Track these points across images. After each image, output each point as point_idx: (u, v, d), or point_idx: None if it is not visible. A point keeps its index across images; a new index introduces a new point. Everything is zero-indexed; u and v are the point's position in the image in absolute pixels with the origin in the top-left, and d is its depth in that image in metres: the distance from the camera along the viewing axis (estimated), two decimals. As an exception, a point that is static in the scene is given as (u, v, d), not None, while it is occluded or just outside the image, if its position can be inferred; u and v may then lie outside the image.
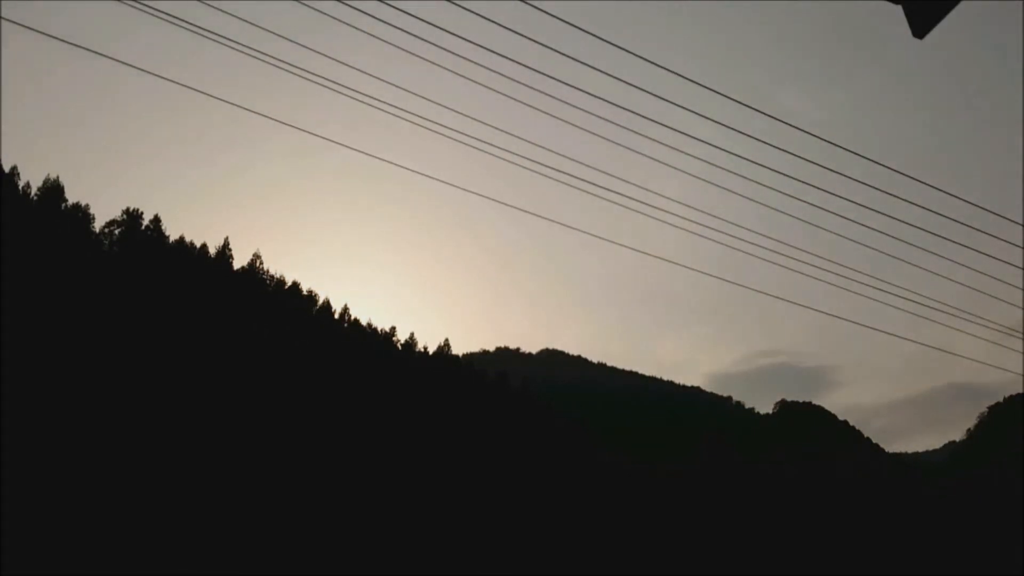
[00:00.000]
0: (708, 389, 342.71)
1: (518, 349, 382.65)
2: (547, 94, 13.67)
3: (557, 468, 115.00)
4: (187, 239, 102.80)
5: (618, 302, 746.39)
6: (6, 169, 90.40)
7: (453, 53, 12.51)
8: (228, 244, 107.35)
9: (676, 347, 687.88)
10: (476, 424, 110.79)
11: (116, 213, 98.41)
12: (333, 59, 13.52)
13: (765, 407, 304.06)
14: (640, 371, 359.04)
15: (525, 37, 11.49)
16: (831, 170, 14.19)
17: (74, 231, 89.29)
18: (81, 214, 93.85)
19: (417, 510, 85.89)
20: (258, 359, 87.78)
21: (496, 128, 14.58)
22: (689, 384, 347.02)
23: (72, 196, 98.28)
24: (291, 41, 12.71)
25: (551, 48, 11.64)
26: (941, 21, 6.30)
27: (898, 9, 6.32)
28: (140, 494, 64.52)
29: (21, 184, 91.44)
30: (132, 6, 11.02)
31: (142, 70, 13.89)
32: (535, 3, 10.32)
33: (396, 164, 18.59)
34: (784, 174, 14.20)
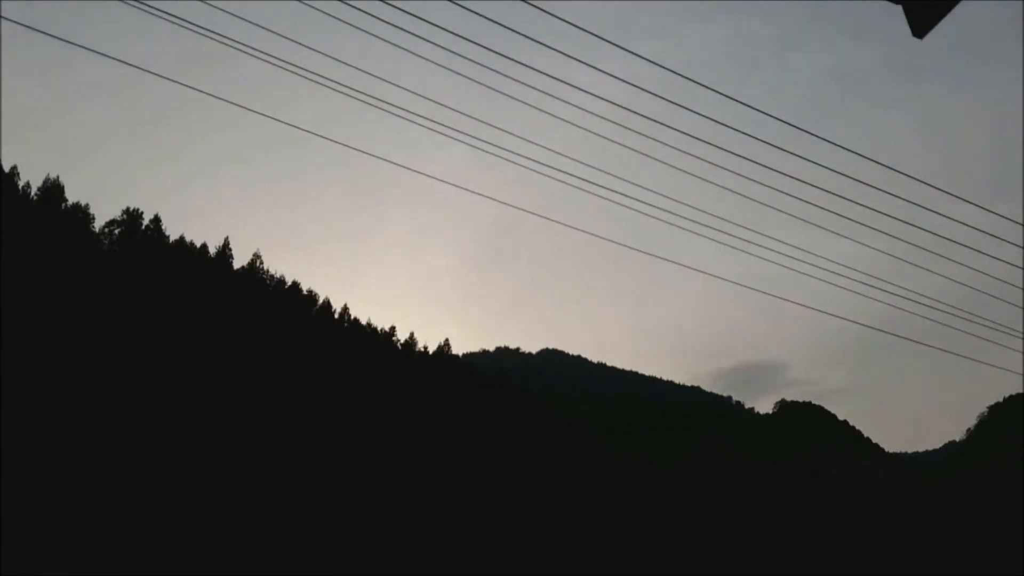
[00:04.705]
0: (708, 389, 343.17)
1: (518, 349, 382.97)
2: (545, 92, 13.69)
3: (557, 468, 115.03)
4: (187, 239, 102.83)
5: (618, 302, 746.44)
6: (6, 169, 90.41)
7: (453, 52, 12.54)
8: (228, 244, 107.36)
9: (676, 346, 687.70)
10: (476, 424, 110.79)
11: (116, 213, 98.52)
12: (335, 59, 13.53)
13: (765, 407, 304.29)
14: (640, 371, 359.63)
15: (525, 36, 11.50)
16: (826, 167, 14.20)
17: (74, 231, 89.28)
18: (81, 214, 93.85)
19: (417, 510, 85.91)
20: (258, 359, 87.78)
21: (496, 127, 14.60)
22: (689, 384, 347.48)
23: (72, 196, 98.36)
24: (292, 41, 12.73)
25: (539, 42, 11.65)
26: (941, 21, 6.30)
27: (898, 9, 6.33)
28: (141, 494, 64.54)
29: (21, 184, 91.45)
30: (133, 6, 11.03)
31: (143, 70, 13.91)
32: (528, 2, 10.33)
33: (397, 164, 18.61)
34: (774, 169, 14.22)
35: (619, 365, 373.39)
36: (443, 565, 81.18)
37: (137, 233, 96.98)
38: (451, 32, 11.85)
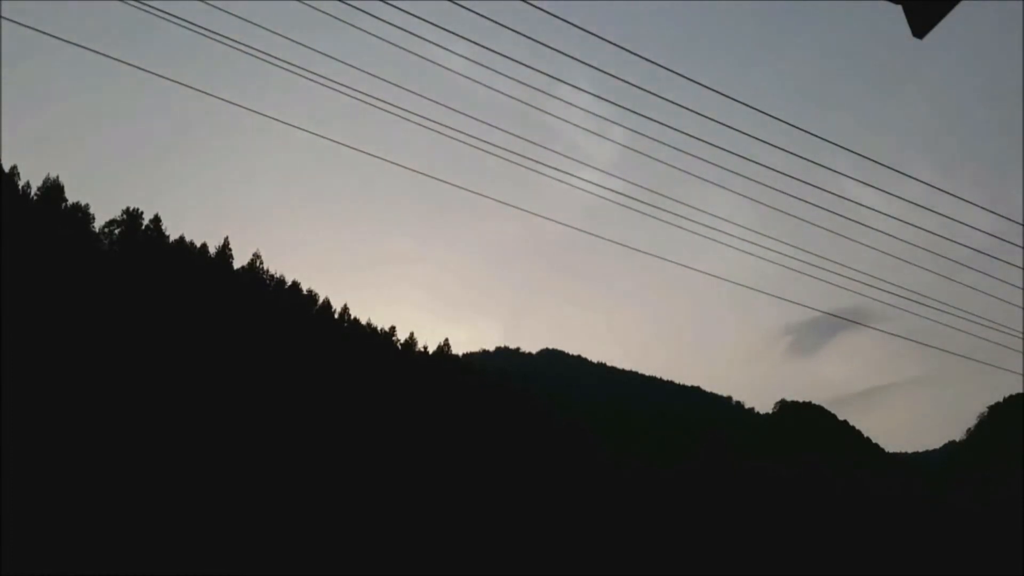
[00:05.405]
0: (708, 389, 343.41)
1: (518, 349, 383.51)
2: (544, 92, 13.69)
3: (557, 468, 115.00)
4: (187, 239, 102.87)
5: (619, 301, 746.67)
6: (6, 169, 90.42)
7: (448, 51, 12.54)
8: (228, 244, 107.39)
9: (676, 345, 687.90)
10: (476, 424, 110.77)
11: (116, 213, 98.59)
12: (334, 59, 13.53)
13: (765, 407, 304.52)
14: (640, 371, 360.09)
15: (523, 34, 11.50)
16: (828, 168, 14.21)
17: (74, 231, 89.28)
18: (81, 214, 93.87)
19: (417, 510, 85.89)
20: (258, 359, 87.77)
21: (493, 127, 14.60)
22: (689, 384, 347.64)
23: (72, 196, 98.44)
24: (292, 41, 12.73)
25: (547, 45, 11.65)
26: (941, 21, 6.30)
27: (898, 9, 6.33)
28: (141, 494, 64.53)
29: (21, 184, 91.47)
30: (133, 6, 11.04)
31: (143, 70, 13.91)
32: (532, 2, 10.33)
33: (397, 164, 18.61)
34: (768, 165, 14.22)
35: (619, 365, 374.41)
36: (443, 565, 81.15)
37: (137, 233, 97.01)
38: (456, 33, 11.86)
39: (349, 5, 11.13)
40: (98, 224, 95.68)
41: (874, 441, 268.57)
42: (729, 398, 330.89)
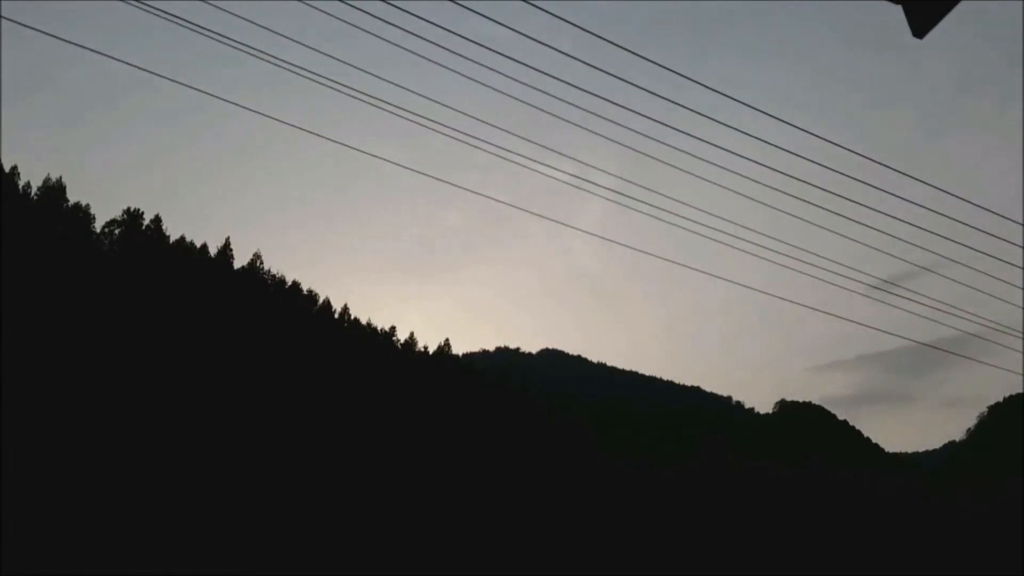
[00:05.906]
0: (708, 389, 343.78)
1: (518, 349, 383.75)
2: (547, 93, 13.69)
3: (557, 468, 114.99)
4: (188, 239, 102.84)
5: (618, 302, 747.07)
6: (6, 169, 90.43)
7: (443, 48, 12.54)
8: (228, 244, 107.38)
9: (676, 346, 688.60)
10: (476, 424, 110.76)
11: (116, 213, 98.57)
12: (333, 58, 13.54)
13: (765, 407, 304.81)
14: (640, 371, 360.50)
15: (524, 35, 11.51)
16: (831, 168, 14.22)
17: (74, 231, 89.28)
18: (81, 214, 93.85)
19: (417, 510, 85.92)
20: (258, 359, 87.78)
21: (494, 126, 14.61)
22: (689, 384, 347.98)
23: (72, 196, 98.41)
24: (292, 41, 12.74)
25: (550, 46, 11.65)
26: (941, 21, 6.31)
27: (898, 9, 6.34)
28: (141, 494, 64.55)
29: (21, 184, 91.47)
30: (134, 6, 11.05)
31: (143, 70, 13.92)
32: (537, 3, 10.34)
33: (396, 164, 18.63)
34: (784, 172, 14.23)
35: (619, 365, 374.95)
36: (443, 565, 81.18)
37: (138, 233, 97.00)
38: (453, 32, 11.87)
39: (349, 5, 11.14)
40: (99, 224, 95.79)
41: (874, 441, 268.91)
42: (729, 398, 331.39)
